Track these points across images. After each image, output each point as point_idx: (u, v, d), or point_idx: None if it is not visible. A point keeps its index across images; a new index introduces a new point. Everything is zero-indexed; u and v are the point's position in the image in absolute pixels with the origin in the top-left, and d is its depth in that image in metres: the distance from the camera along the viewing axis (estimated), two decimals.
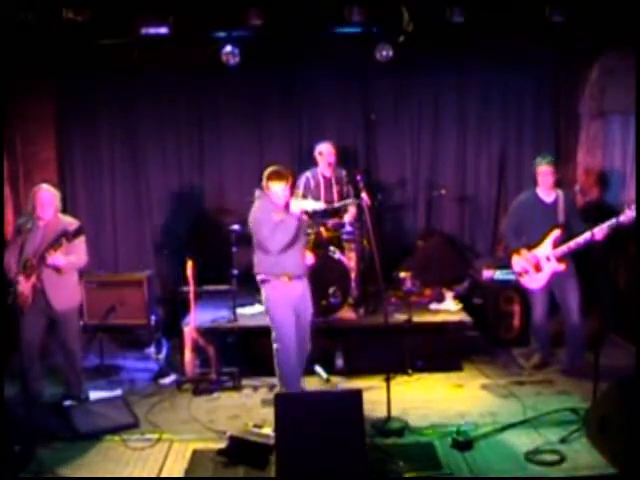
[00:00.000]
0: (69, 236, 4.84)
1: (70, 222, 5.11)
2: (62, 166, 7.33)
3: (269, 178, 4.89)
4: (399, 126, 7.49)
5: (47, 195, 5.07)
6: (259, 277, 5.00)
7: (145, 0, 5.96)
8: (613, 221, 5.19)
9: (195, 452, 4.47)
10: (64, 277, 5.06)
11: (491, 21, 6.13)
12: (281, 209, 4.88)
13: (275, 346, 4.99)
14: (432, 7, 6.02)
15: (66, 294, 5.12)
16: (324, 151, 6.30)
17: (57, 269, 4.98)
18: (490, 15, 6.07)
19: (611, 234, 5.24)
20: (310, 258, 5.06)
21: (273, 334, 5.01)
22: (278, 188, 4.85)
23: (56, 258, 4.89)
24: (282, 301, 4.92)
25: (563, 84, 7.30)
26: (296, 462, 3.89)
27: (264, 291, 4.99)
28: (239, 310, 6.18)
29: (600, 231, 5.24)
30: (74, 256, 5.05)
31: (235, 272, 6.24)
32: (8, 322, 5.01)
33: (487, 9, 6.03)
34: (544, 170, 5.53)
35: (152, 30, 5.99)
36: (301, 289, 4.99)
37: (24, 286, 4.93)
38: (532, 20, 6.07)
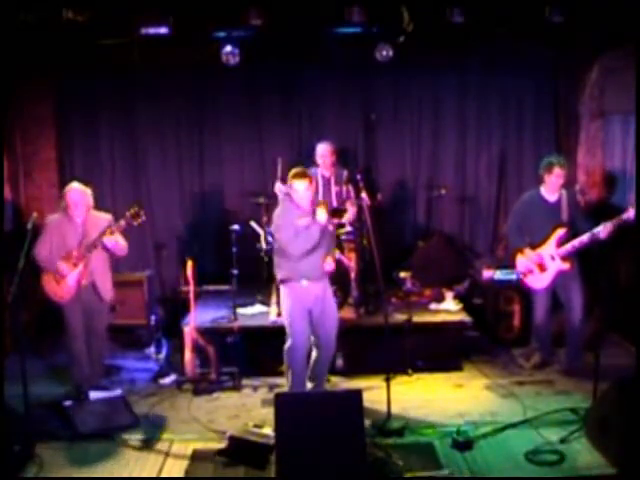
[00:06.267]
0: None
1: (105, 217, 5.37)
2: (62, 166, 7.32)
3: (293, 177, 4.96)
4: (399, 126, 7.49)
5: (77, 194, 5.25)
6: (278, 278, 5.09)
7: (145, 0, 5.97)
8: (617, 220, 5.18)
9: (195, 452, 4.48)
10: (107, 270, 5.38)
11: (491, 21, 6.14)
12: (306, 213, 4.92)
13: (286, 345, 5.03)
14: (432, 7, 6.02)
15: (110, 285, 5.41)
16: (320, 151, 6.31)
17: (108, 251, 5.27)
18: (490, 15, 6.08)
19: (615, 233, 5.23)
20: (330, 265, 5.03)
21: (287, 332, 5.06)
22: (301, 186, 4.90)
23: (112, 240, 5.16)
24: (297, 301, 4.97)
25: (563, 84, 7.30)
26: (296, 462, 3.89)
27: (282, 290, 5.07)
28: (239, 310, 6.18)
29: (604, 229, 5.22)
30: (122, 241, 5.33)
31: (235, 272, 6.23)
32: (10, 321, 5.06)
33: (487, 9, 6.04)
34: (558, 172, 5.47)
35: (152, 30, 5.99)
36: (318, 291, 4.99)
37: (70, 276, 5.14)
38: (532, 20, 6.07)
